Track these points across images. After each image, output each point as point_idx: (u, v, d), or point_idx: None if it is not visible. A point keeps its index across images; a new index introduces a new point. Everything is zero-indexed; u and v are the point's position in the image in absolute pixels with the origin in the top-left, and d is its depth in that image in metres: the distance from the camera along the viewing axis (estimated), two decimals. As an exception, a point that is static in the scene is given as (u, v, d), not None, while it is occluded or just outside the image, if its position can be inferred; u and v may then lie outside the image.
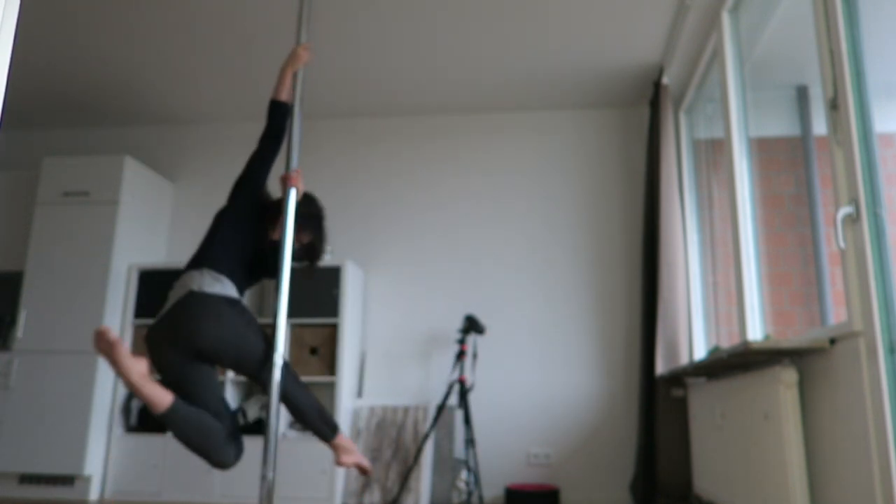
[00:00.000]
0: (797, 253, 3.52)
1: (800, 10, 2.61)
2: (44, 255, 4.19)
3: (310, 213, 2.67)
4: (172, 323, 2.36)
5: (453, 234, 4.48)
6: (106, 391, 4.05)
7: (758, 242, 3.05)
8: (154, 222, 4.60)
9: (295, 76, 2.50)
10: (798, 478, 2.19)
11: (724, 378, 2.92)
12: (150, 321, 4.20)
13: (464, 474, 3.88)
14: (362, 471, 2.58)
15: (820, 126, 3.25)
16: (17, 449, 3.92)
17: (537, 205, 4.47)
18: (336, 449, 2.55)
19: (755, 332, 2.90)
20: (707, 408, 3.17)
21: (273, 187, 2.91)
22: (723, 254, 3.74)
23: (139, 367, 2.24)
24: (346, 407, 4.01)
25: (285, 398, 2.41)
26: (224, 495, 3.86)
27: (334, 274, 4.06)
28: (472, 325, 3.94)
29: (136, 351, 4.16)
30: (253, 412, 4.05)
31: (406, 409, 4.10)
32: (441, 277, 4.42)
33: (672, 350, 3.65)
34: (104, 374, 4.04)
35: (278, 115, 2.59)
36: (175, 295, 2.43)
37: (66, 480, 3.93)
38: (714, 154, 3.95)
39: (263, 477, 2.14)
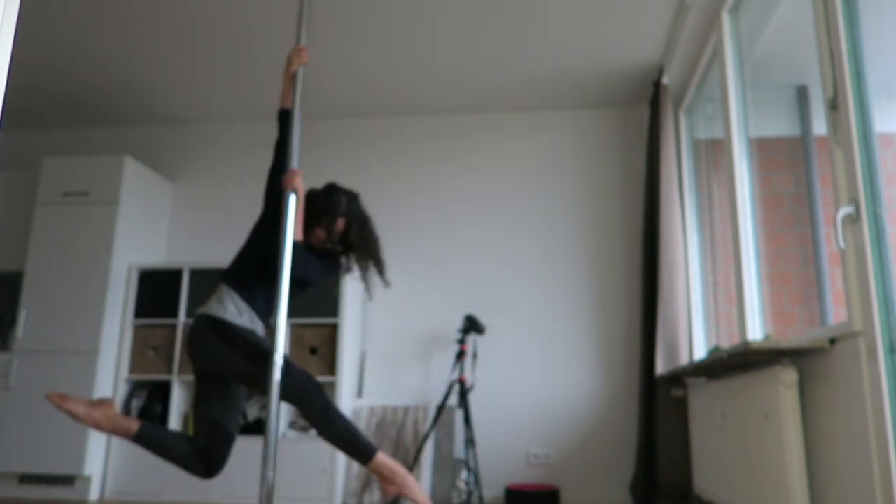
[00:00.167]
0: (797, 253, 3.52)
1: (800, 10, 2.60)
2: (44, 255, 4.19)
3: (326, 203, 2.58)
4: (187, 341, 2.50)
5: (453, 234, 4.48)
6: (106, 391, 4.05)
7: (758, 242, 3.05)
8: (154, 222, 4.60)
9: (295, 77, 2.49)
10: (798, 478, 2.19)
11: (724, 378, 2.92)
12: (150, 321, 4.20)
13: (464, 474, 3.88)
14: None
15: (820, 126, 3.24)
16: (17, 449, 3.92)
17: (537, 205, 4.47)
18: (376, 474, 2.36)
19: (755, 332, 2.90)
20: (707, 408, 3.17)
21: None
22: (723, 254, 3.74)
23: (98, 412, 2.41)
24: (346, 407, 4.01)
25: (319, 431, 2.36)
26: (224, 495, 3.86)
27: (334, 274, 4.06)
28: (472, 325, 3.94)
29: (138, 348, 4.16)
30: (252, 412, 4.05)
31: (406, 409, 4.10)
32: (441, 277, 4.42)
33: (672, 350, 3.65)
34: (104, 374, 4.04)
35: (286, 123, 2.56)
36: None
37: (66, 480, 3.93)
38: (714, 154, 3.94)
39: (263, 477, 2.14)
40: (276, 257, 2.43)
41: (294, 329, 4.09)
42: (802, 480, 2.20)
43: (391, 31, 3.69)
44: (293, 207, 2.35)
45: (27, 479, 3.95)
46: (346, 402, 4.01)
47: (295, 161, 2.40)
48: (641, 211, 4.36)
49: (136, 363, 4.16)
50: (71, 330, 4.06)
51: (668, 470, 3.56)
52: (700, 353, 3.88)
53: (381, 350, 4.34)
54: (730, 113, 3.16)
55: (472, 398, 4.19)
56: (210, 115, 4.78)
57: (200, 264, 4.26)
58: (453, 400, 4.18)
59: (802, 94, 3.35)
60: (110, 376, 4.10)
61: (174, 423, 4.05)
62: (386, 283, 2.68)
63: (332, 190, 2.62)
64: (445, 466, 3.91)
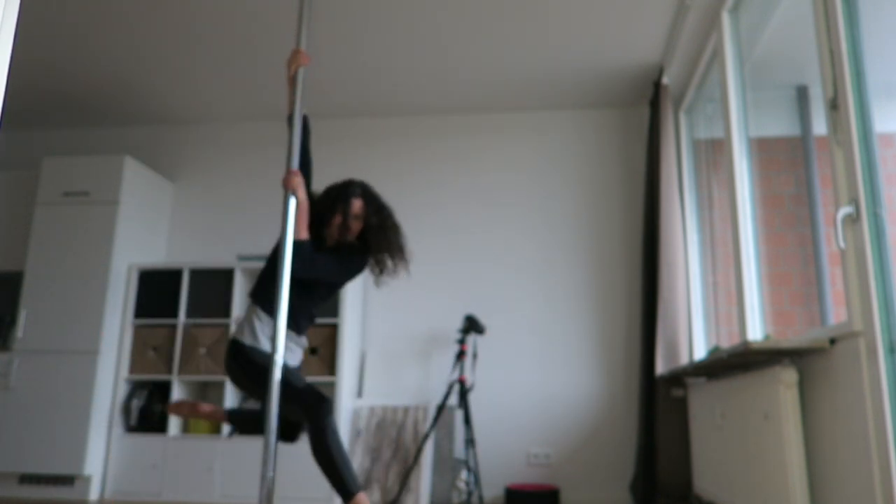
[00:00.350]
0: (797, 253, 3.52)
1: (800, 10, 2.60)
2: (44, 255, 4.19)
3: (342, 188, 2.62)
4: None
5: (453, 234, 4.48)
6: (106, 391, 4.05)
7: (758, 242, 3.05)
8: (154, 222, 4.60)
9: (295, 80, 2.48)
10: (798, 478, 2.19)
11: (724, 378, 2.92)
12: (150, 321, 4.20)
13: (464, 474, 3.88)
14: None
15: (820, 126, 3.24)
16: (17, 449, 3.92)
17: (537, 205, 4.47)
18: None
19: (755, 332, 2.90)
20: (707, 408, 3.17)
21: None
22: (723, 254, 3.74)
23: (206, 407, 2.85)
24: (347, 407, 4.01)
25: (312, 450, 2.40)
26: (224, 495, 3.86)
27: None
28: (472, 325, 3.94)
29: (138, 348, 4.16)
30: (253, 412, 4.05)
31: (406, 409, 4.10)
32: (441, 277, 4.42)
33: (672, 350, 3.65)
34: (104, 374, 4.04)
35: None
36: None
37: (66, 480, 3.93)
38: (714, 154, 3.94)
39: (263, 477, 2.14)
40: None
41: (294, 329, 4.08)
42: (802, 480, 2.20)
43: (391, 31, 3.69)
44: (293, 208, 2.35)
45: (27, 479, 3.95)
46: (346, 402, 4.01)
47: (294, 162, 2.40)
48: (641, 211, 4.36)
49: (136, 363, 4.16)
50: (71, 330, 4.06)
51: (668, 470, 3.56)
52: (700, 353, 3.88)
53: (381, 350, 4.34)
54: (730, 113, 3.15)
55: (472, 398, 4.19)
56: (210, 115, 4.78)
57: (200, 264, 4.26)
58: (453, 400, 4.18)
59: (802, 94, 3.35)
60: (110, 376, 4.10)
61: (174, 422, 4.05)
62: (408, 272, 2.66)
63: (346, 180, 2.68)
64: (445, 466, 3.91)
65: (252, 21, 3.62)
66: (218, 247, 4.67)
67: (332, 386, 3.97)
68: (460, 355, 3.89)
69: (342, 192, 2.61)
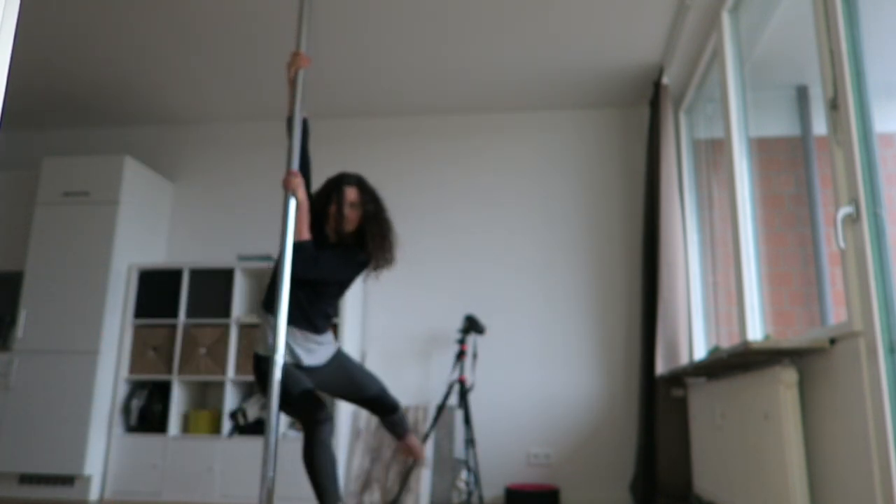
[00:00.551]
0: (797, 253, 3.52)
1: (800, 10, 2.60)
2: (44, 255, 4.19)
3: (336, 178, 2.65)
4: None
5: (453, 234, 4.48)
6: (106, 391, 4.05)
7: (758, 242, 3.05)
8: (154, 222, 4.60)
9: (295, 82, 2.48)
10: (798, 478, 2.19)
11: (724, 378, 2.92)
12: (150, 321, 4.20)
13: (464, 474, 3.88)
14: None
15: (820, 126, 3.24)
16: (17, 449, 3.92)
17: (537, 205, 4.47)
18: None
19: (755, 332, 2.90)
20: (707, 408, 3.17)
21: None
22: (723, 254, 3.74)
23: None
24: (347, 407, 4.01)
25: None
26: (224, 495, 3.86)
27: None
28: (472, 325, 3.94)
29: (138, 348, 4.16)
30: (253, 412, 4.05)
31: (406, 409, 4.09)
32: (441, 277, 4.42)
33: (672, 350, 3.65)
34: (104, 373, 4.05)
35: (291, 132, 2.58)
36: None
37: (66, 480, 3.93)
38: (714, 154, 3.94)
39: (263, 477, 2.14)
40: (292, 270, 2.45)
41: (294, 329, 4.08)
42: (802, 480, 2.20)
43: (391, 31, 3.69)
44: (293, 209, 2.35)
45: (27, 479, 3.95)
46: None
47: (294, 163, 2.40)
48: (641, 211, 4.36)
49: (136, 363, 4.16)
50: (71, 330, 4.06)
51: (668, 470, 3.56)
52: (700, 353, 3.88)
53: (381, 350, 4.34)
54: (730, 113, 3.15)
55: (472, 398, 4.19)
56: (210, 115, 4.78)
57: (200, 264, 4.26)
58: (453, 400, 4.18)
59: (802, 94, 3.35)
60: (110, 376, 4.10)
61: (174, 422, 4.05)
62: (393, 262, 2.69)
63: (341, 172, 2.72)
64: (445, 466, 3.91)
65: (252, 21, 3.62)
66: (218, 247, 4.67)
67: (332, 386, 3.97)
68: (460, 355, 3.89)
69: (336, 181, 2.65)
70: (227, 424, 4.00)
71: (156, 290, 4.24)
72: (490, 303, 4.34)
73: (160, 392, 4.19)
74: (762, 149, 3.58)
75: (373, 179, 2.78)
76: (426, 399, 4.22)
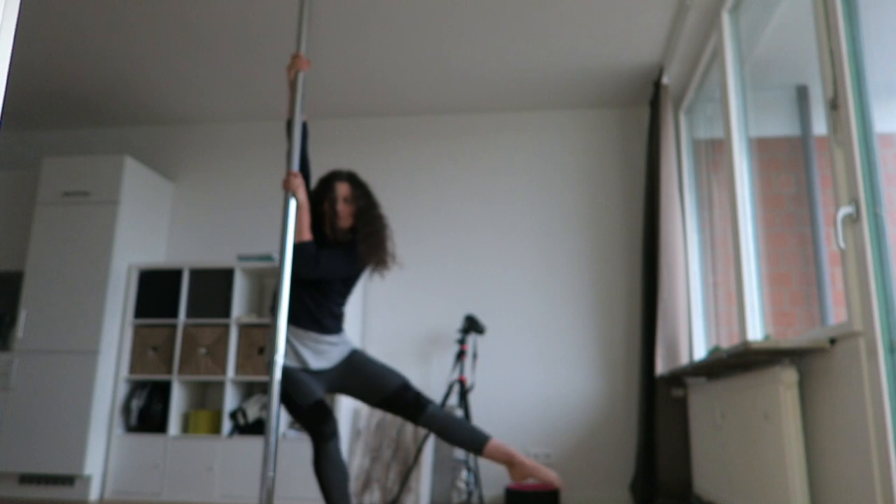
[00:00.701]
0: (797, 253, 3.52)
1: (800, 10, 2.61)
2: (44, 255, 4.19)
3: (328, 175, 2.65)
4: None
5: (453, 234, 4.48)
6: (106, 391, 4.05)
7: (758, 242, 3.05)
8: (154, 222, 4.60)
9: (294, 84, 2.48)
10: (798, 478, 2.19)
11: (724, 378, 2.92)
12: (149, 321, 4.20)
13: (464, 474, 3.88)
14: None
15: (820, 126, 3.24)
16: (17, 449, 3.92)
17: (537, 205, 4.47)
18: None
19: (755, 332, 2.90)
20: (707, 408, 3.17)
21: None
22: (723, 254, 3.74)
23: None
24: (347, 407, 4.01)
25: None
26: (224, 495, 3.86)
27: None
28: (472, 325, 3.94)
29: (138, 348, 4.16)
30: (253, 412, 4.05)
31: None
32: (441, 277, 4.42)
33: (672, 350, 3.65)
34: (104, 373, 4.05)
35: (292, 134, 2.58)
36: None
37: (66, 480, 3.93)
38: (714, 154, 3.94)
39: (263, 477, 2.14)
40: (294, 270, 2.44)
41: (294, 329, 4.08)
42: (802, 480, 2.20)
43: (391, 31, 3.69)
44: (293, 210, 2.35)
45: (27, 479, 3.95)
46: (347, 401, 4.01)
47: (295, 164, 2.40)
48: (641, 211, 4.36)
49: (136, 363, 4.16)
50: (71, 330, 4.06)
51: (668, 470, 3.56)
52: (700, 353, 3.88)
53: (381, 350, 4.34)
54: (730, 113, 3.16)
55: (472, 398, 4.19)
56: (210, 115, 4.78)
57: (200, 264, 4.26)
58: (453, 400, 4.18)
59: (802, 94, 3.35)
60: (110, 376, 4.10)
61: (174, 422, 4.05)
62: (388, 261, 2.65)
63: (333, 170, 2.71)
64: (445, 466, 3.91)
65: (252, 21, 3.62)
66: (218, 247, 4.67)
67: (332, 386, 3.97)
68: (460, 355, 3.89)
69: (328, 178, 2.65)
70: (227, 424, 4.01)
71: (156, 290, 4.25)
72: (490, 303, 4.34)
73: (160, 392, 4.19)
74: (762, 149, 3.58)
75: (373, 179, 2.78)
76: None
